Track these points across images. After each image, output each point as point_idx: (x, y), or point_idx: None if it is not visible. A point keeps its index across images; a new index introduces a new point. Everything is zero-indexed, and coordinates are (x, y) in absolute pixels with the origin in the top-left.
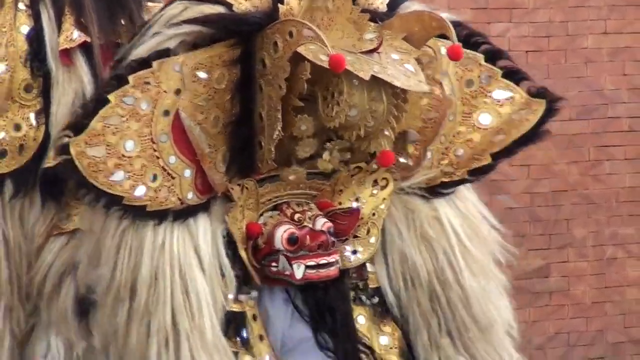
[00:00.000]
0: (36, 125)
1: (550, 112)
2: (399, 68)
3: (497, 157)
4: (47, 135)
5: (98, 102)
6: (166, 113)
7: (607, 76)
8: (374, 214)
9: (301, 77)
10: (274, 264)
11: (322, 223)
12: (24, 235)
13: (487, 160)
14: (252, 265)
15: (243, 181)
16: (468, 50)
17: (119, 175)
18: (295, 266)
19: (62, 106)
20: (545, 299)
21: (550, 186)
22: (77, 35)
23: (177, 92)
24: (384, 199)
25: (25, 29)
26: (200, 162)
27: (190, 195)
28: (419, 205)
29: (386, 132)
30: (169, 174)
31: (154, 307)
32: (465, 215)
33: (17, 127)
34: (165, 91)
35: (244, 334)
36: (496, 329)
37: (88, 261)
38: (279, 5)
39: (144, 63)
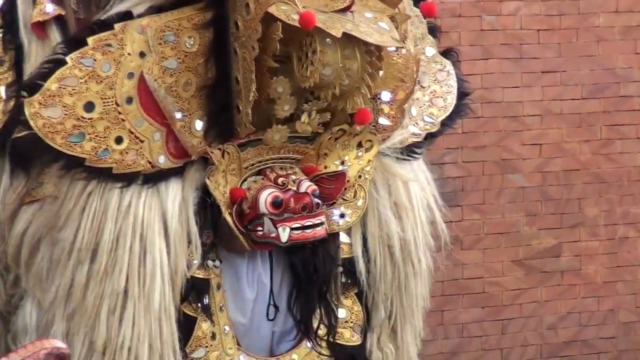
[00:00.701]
0: (6, 98)
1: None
2: (372, 26)
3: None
4: (17, 107)
5: (54, 63)
6: (130, 75)
7: (619, 55)
8: (360, 177)
9: (273, 37)
10: (259, 228)
11: (306, 186)
12: None
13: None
14: (238, 229)
15: (224, 146)
16: (414, 8)
17: (78, 137)
18: (280, 229)
19: None
20: (557, 279)
21: (561, 165)
22: (50, 9)
23: (142, 54)
24: (370, 160)
25: None
26: (170, 126)
27: (162, 159)
28: (395, 169)
29: (362, 91)
30: (136, 137)
31: (111, 271)
32: (424, 188)
33: None
34: (129, 54)
35: (205, 301)
36: (420, 318)
37: (52, 224)
38: None
39: (105, 25)
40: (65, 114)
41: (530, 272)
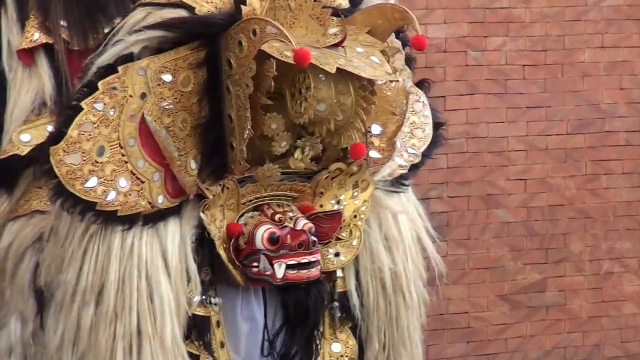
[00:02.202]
0: None
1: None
2: (365, 60)
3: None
4: (43, 154)
5: (73, 110)
6: (133, 117)
7: (605, 90)
8: (355, 217)
9: (268, 74)
10: (255, 264)
11: (303, 224)
12: None
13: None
14: (234, 265)
15: (224, 181)
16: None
17: (93, 182)
18: (276, 266)
19: (19, 105)
20: (542, 314)
21: (547, 200)
22: (37, 37)
23: (143, 96)
24: (365, 201)
25: None
26: (169, 166)
27: (160, 199)
28: (386, 202)
29: (357, 125)
30: (138, 178)
31: (121, 312)
32: (414, 220)
33: None
34: (131, 96)
35: (207, 338)
36: (419, 351)
37: (51, 265)
38: (242, 6)
39: (111, 69)
40: (84, 160)
41: (515, 307)
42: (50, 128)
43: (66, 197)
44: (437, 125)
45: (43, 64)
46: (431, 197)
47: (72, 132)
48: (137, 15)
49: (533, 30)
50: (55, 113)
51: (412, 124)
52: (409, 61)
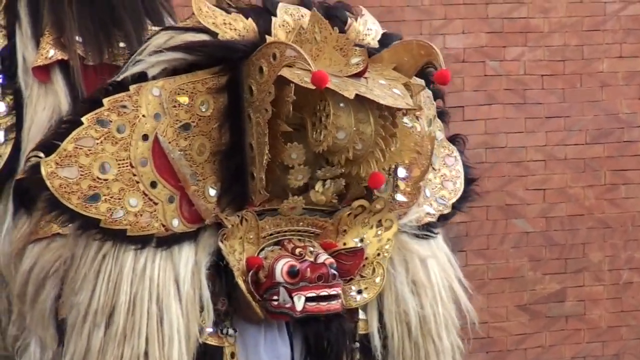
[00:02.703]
0: (3, 141)
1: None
2: (386, 91)
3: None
4: (15, 150)
5: (71, 123)
6: (145, 137)
7: (623, 100)
8: (378, 254)
9: (287, 99)
10: (274, 297)
11: (324, 258)
12: None
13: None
14: (253, 297)
15: (242, 212)
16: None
17: (94, 198)
18: (295, 298)
19: (36, 122)
20: (561, 324)
21: (566, 210)
22: (52, 53)
23: (157, 116)
24: (389, 239)
25: None
26: (184, 189)
27: (175, 223)
28: (412, 246)
29: (376, 155)
30: (150, 199)
31: (130, 334)
32: (444, 267)
33: None
34: (143, 115)
35: None
36: None
37: (67, 288)
38: (267, 37)
39: (120, 86)
40: (82, 175)
41: (534, 317)
42: None
43: (61, 211)
44: (470, 181)
45: (58, 80)
46: None
47: (67, 145)
48: (160, 39)
49: (551, 40)
50: None
51: (442, 176)
52: (442, 114)
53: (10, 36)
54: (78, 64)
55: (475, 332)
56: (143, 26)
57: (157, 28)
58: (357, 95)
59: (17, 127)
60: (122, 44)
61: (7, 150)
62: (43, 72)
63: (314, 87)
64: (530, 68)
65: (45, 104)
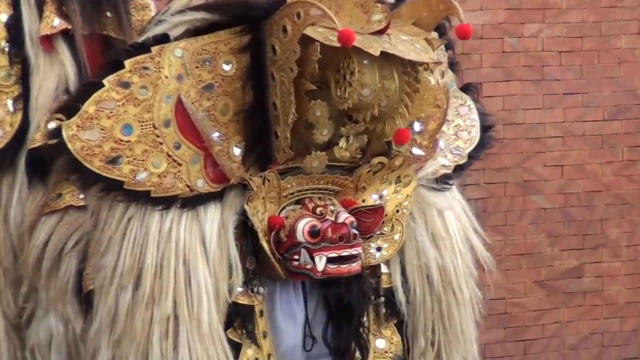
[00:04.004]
0: (13, 110)
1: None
2: (409, 46)
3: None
4: (24, 120)
5: (91, 85)
6: (168, 98)
7: None
8: (397, 211)
9: (312, 58)
10: (295, 256)
11: (344, 217)
12: (3, 218)
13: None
14: (275, 257)
15: (264, 173)
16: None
17: (116, 160)
18: (317, 259)
19: (44, 91)
20: (579, 299)
21: (584, 186)
22: (57, 23)
23: (179, 77)
24: (408, 195)
25: (4, 17)
26: (208, 149)
27: (200, 183)
28: (430, 199)
29: (400, 111)
30: (174, 160)
31: (158, 296)
32: (460, 218)
33: None
34: (166, 76)
35: (249, 327)
36: (473, 346)
37: (93, 251)
38: None
39: (141, 48)
40: (104, 137)
41: (552, 293)
42: None
43: (83, 173)
44: (486, 128)
45: (64, 50)
46: (468, 184)
47: (89, 107)
48: (182, 0)
49: (569, 17)
50: None
51: (456, 126)
52: (452, 64)
53: (15, 5)
54: (80, 34)
55: (493, 308)
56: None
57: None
58: (381, 52)
59: (24, 97)
60: (109, 14)
61: (18, 119)
62: (47, 42)
63: (339, 45)
64: (548, 44)
65: (52, 74)
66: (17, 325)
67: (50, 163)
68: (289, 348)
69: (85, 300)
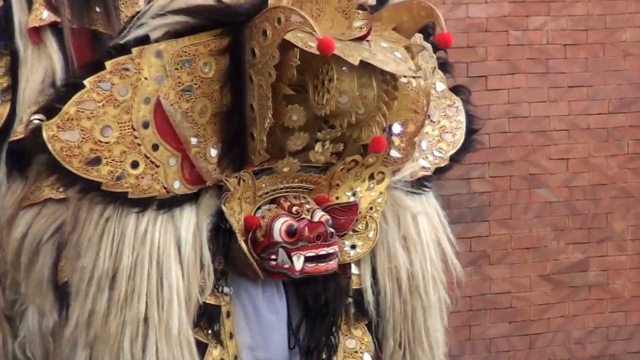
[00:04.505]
0: (0, 102)
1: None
2: (388, 55)
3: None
4: (12, 111)
5: (72, 86)
6: (147, 100)
7: None
8: (371, 208)
9: (291, 64)
10: (273, 256)
11: (320, 215)
12: None
13: (446, 160)
14: (253, 257)
15: (239, 173)
16: (425, 42)
17: (95, 161)
18: (294, 258)
19: (30, 84)
20: (584, 293)
21: (589, 180)
22: (46, 15)
23: (159, 79)
24: (381, 192)
25: None
26: (186, 151)
27: (177, 185)
28: (405, 203)
29: (377, 119)
30: (152, 162)
31: (130, 298)
32: (434, 224)
33: None
34: (145, 78)
35: (215, 327)
36: (440, 352)
37: (70, 251)
38: None
39: (122, 49)
40: (83, 138)
41: (557, 287)
42: None
43: (62, 174)
44: (471, 132)
45: (52, 42)
46: (473, 177)
47: (69, 108)
48: (163, 0)
49: (574, 9)
50: None
51: (441, 127)
52: (444, 64)
53: None
54: (68, 27)
55: (498, 302)
56: None
57: None
58: (360, 60)
59: (12, 89)
60: (98, 9)
61: (5, 111)
62: (35, 34)
63: (318, 53)
64: (553, 37)
65: (39, 66)
66: (8, 316)
67: (30, 157)
68: (281, 343)
69: (60, 293)
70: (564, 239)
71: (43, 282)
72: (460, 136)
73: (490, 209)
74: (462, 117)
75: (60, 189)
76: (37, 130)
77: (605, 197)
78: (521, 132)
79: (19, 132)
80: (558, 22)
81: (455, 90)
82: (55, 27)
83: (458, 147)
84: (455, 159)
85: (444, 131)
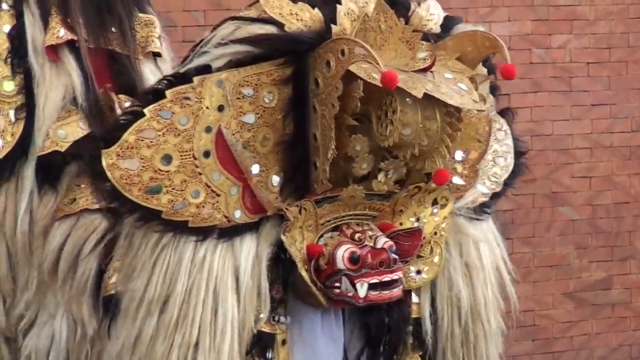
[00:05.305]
0: (15, 120)
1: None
2: (452, 87)
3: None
4: (26, 129)
5: (132, 114)
6: (208, 129)
7: None
8: (435, 233)
9: (354, 95)
10: (336, 284)
11: (383, 242)
12: (1, 225)
13: (501, 185)
14: (316, 286)
15: (301, 202)
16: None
17: (155, 189)
18: (358, 285)
19: (50, 101)
20: (607, 311)
21: (612, 198)
22: (63, 33)
23: (220, 108)
24: (445, 217)
25: (7, 27)
26: (247, 180)
27: (238, 214)
28: (468, 230)
29: (441, 151)
30: (213, 191)
31: (182, 323)
32: (493, 250)
33: None
34: (207, 107)
35: (269, 355)
36: None
37: (122, 273)
38: (332, 25)
39: (182, 78)
40: (143, 166)
41: (580, 305)
42: (82, 125)
43: (121, 202)
44: (519, 154)
45: (70, 60)
46: None
47: (129, 136)
48: (225, 29)
49: (597, 28)
50: (86, 110)
51: (494, 152)
52: (493, 89)
53: (19, 16)
54: (84, 45)
55: (521, 320)
56: (132, 13)
57: (143, 15)
58: (424, 93)
59: (27, 107)
60: (113, 29)
61: (19, 129)
62: (53, 52)
63: (381, 85)
64: (575, 56)
65: (58, 83)
66: (8, 337)
67: (59, 170)
68: None
69: (103, 303)
70: (587, 257)
71: (84, 290)
72: (510, 160)
73: (513, 227)
74: (510, 141)
75: (95, 200)
76: (97, 159)
77: (629, 215)
78: (544, 150)
79: (47, 146)
80: (581, 40)
81: (502, 112)
82: (72, 45)
83: (510, 170)
84: (508, 183)
85: (496, 155)
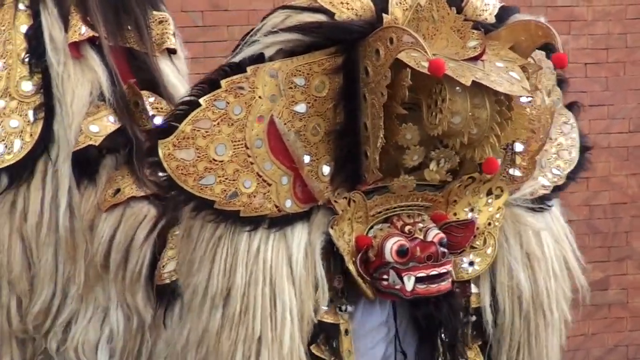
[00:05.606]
0: (33, 120)
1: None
2: (502, 75)
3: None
4: (45, 129)
5: (188, 105)
6: (260, 119)
7: None
8: (489, 224)
9: (403, 84)
10: (384, 276)
11: (433, 234)
12: (17, 229)
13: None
14: (363, 278)
15: (350, 194)
16: (547, 59)
17: (209, 179)
18: (405, 278)
19: (77, 97)
20: (604, 312)
21: (609, 198)
22: (84, 30)
23: (273, 98)
24: (499, 207)
25: (24, 28)
26: (298, 170)
27: (288, 203)
28: (526, 219)
29: (491, 140)
30: (264, 180)
31: (244, 316)
32: (559, 240)
33: (14, 123)
34: (260, 97)
35: (334, 345)
36: None
37: (182, 266)
38: (383, 15)
39: (237, 68)
40: (198, 157)
41: (577, 305)
42: (111, 119)
43: (178, 193)
44: (583, 149)
45: (93, 56)
46: None
47: (185, 127)
48: (276, 18)
49: (595, 28)
50: (114, 104)
51: (558, 145)
52: (560, 82)
53: (35, 16)
54: (105, 42)
55: None
56: (147, 11)
57: (157, 13)
58: (473, 80)
59: (46, 106)
60: (130, 27)
61: (38, 129)
62: (76, 49)
63: (430, 73)
64: (573, 56)
65: (84, 80)
66: (22, 339)
67: (96, 163)
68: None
69: (157, 292)
70: (584, 257)
71: (139, 279)
72: (575, 154)
73: None
74: (576, 135)
75: (140, 188)
76: (153, 149)
77: (626, 215)
78: None
79: (81, 141)
80: (579, 41)
81: (569, 106)
82: (93, 43)
83: (574, 164)
84: (571, 177)
85: (561, 149)
